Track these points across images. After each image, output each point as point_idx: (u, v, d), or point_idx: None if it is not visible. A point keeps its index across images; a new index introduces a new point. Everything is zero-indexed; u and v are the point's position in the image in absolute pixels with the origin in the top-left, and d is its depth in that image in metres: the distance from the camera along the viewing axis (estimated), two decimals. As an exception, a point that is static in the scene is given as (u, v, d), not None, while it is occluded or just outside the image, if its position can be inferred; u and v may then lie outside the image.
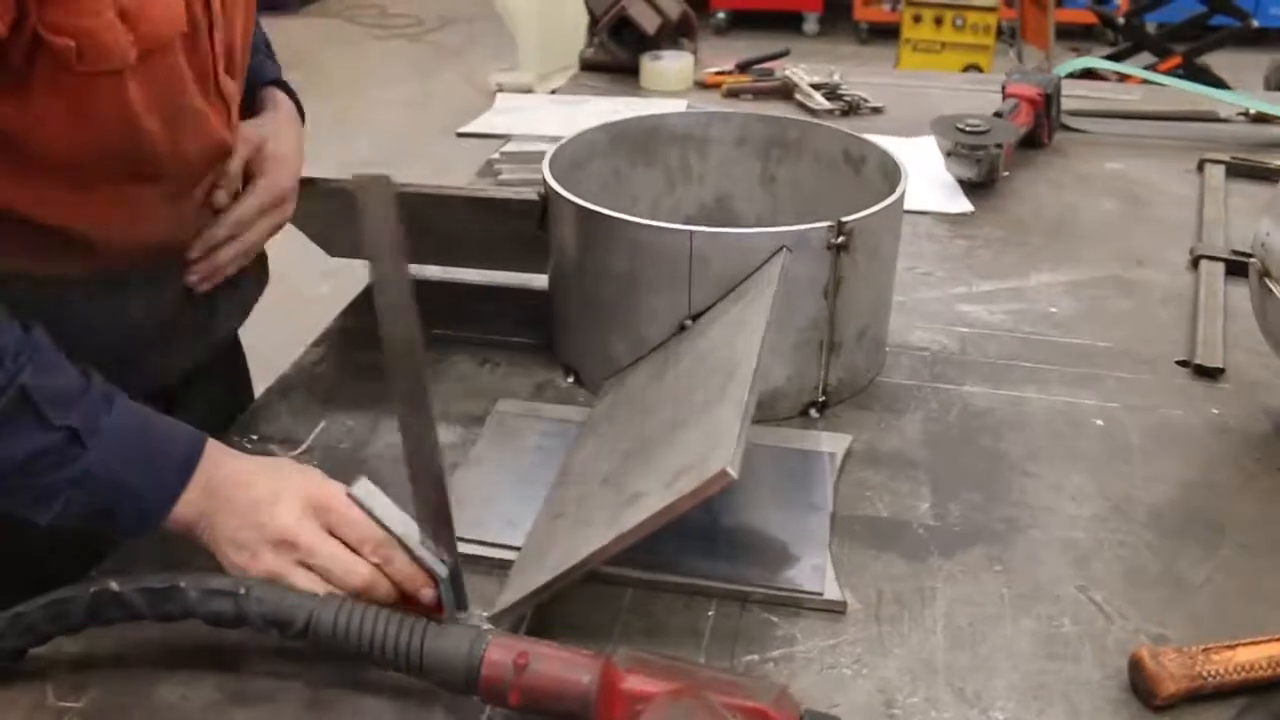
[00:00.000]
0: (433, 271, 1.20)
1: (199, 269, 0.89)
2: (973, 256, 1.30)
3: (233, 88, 0.85)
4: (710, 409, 0.73)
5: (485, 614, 0.72)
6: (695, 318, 0.92)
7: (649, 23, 1.94)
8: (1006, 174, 1.51)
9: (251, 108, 0.97)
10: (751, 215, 1.22)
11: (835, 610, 0.75)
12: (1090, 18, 4.59)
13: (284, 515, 0.71)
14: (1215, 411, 0.99)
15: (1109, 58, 3.87)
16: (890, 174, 1.04)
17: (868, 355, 1.01)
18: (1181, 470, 0.91)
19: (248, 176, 0.91)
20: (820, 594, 0.75)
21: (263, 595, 0.67)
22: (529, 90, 3.57)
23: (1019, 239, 1.34)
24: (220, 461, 0.75)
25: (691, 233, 0.89)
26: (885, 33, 5.42)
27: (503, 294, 1.18)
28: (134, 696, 0.69)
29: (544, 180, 1.00)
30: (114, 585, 0.67)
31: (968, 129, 1.43)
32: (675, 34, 2.07)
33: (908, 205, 1.40)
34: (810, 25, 6.03)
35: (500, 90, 5.37)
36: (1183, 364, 1.06)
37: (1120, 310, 1.17)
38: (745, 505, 0.84)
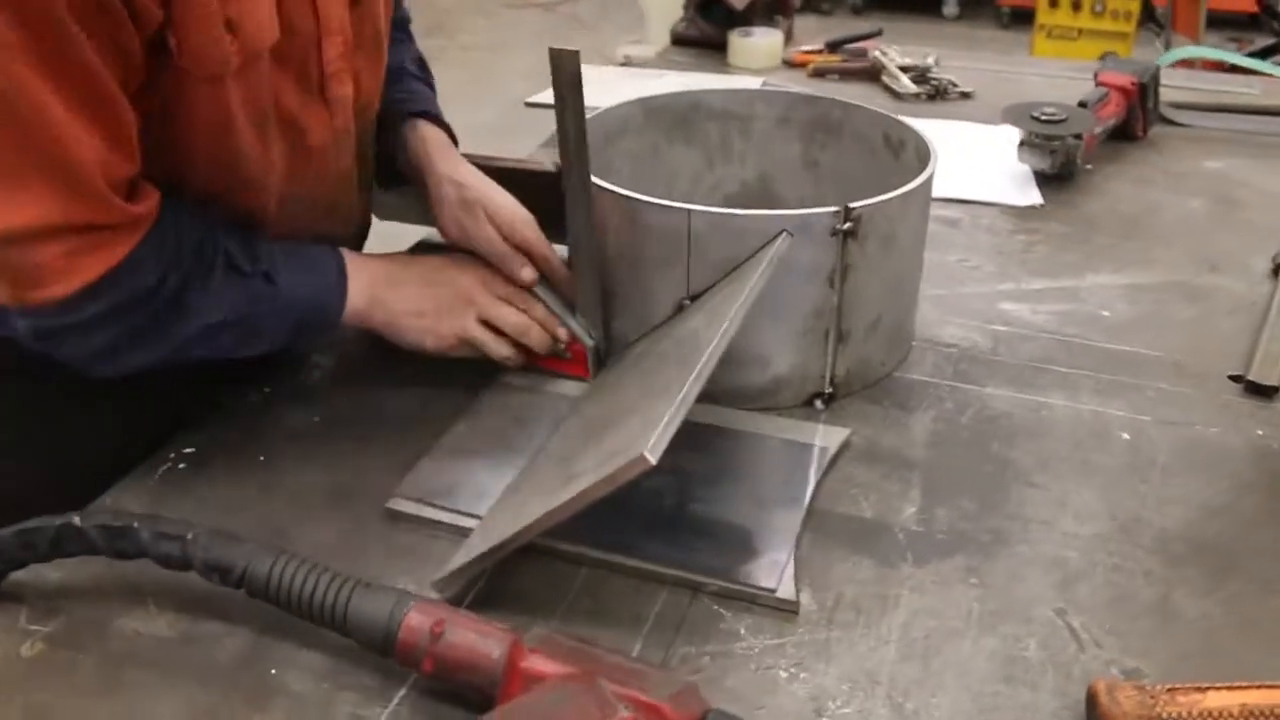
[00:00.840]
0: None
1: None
2: (1030, 252, 1.22)
3: (344, 92, 0.90)
4: (663, 393, 0.71)
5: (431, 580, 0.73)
6: (694, 298, 0.90)
7: (738, -1, 1.90)
8: (1089, 167, 1.43)
9: (395, 140, 1.02)
10: (794, 197, 1.18)
11: (787, 610, 0.72)
12: (1252, 6, 4.28)
13: (460, 278, 0.92)
14: (1260, 433, 0.91)
15: (1269, 50, 3.59)
16: (926, 160, 0.99)
17: (883, 348, 0.97)
18: (1205, 494, 0.84)
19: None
20: (773, 591, 0.73)
21: (208, 543, 0.69)
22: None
23: (1085, 236, 1.26)
24: (363, 260, 0.91)
25: (690, 211, 0.87)
26: (1026, 18, 5.18)
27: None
28: (96, 627, 0.72)
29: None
30: (76, 520, 0.70)
31: (1043, 118, 1.35)
32: (769, 10, 2.03)
33: (975, 195, 1.35)
34: (950, 8, 5.82)
35: (627, 63, 5.41)
36: (1236, 379, 0.98)
37: (1180, 318, 1.09)
38: (719, 494, 0.82)
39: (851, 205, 0.87)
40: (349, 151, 0.95)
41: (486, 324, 0.93)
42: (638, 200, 0.89)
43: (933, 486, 0.84)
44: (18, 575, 0.74)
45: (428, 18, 6.20)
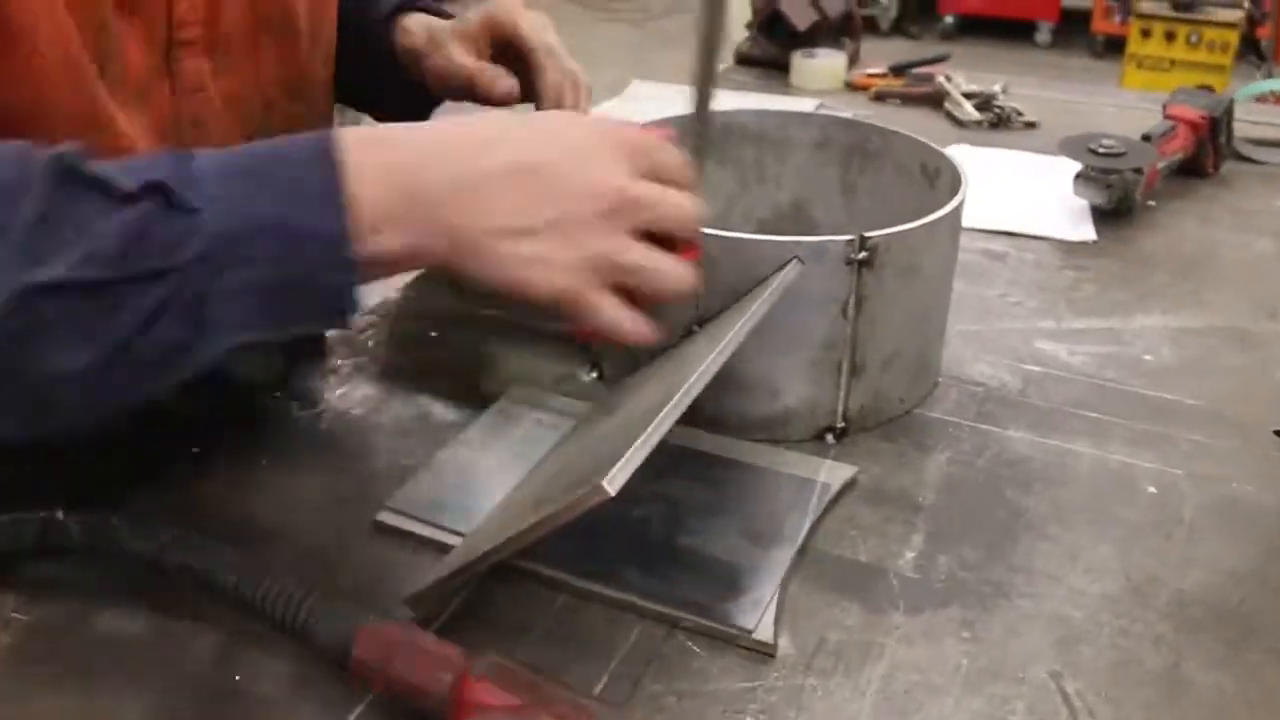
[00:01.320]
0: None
1: None
2: (1077, 290, 1.17)
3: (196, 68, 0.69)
4: (641, 421, 0.68)
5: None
6: (703, 324, 0.87)
7: (801, 19, 1.88)
8: (1152, 203, 1.37)
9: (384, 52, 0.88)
10: (830, 224, 1.15)
11: (763, 652, 0.69)
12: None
13: (596, 164, 0.48)
14: (1302, 495, 0.85)
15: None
16: (957, 189, 0.95)
17: (902, 383, 0.93)
18: (1233, 556, 0.78)
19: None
20: (750, 632, 0.70)
21: (181, 545, 0.69)
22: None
23: (1138, 275, 1.20)
24: (375, 138, 0.49)
25: (702, 235, 0.84)
26: (1121, 47, 5.04)
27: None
28: (77, 620, 0.73)
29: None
30: (59, 514, 0.71)
31: (1101, 150, 1.30)
32: (836, 32, 2.00)
33: (1026, 228, 1.30)
34: (1043, 35, 5.68)
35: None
36: (1281, 435, 0.92)
37: (1229, 366, 1.03)
38: (710, 527, 0.79)
39: (868, 234, 0.84)
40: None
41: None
42: (648, 220, 0.87)
43: (937, 532, 0.81)
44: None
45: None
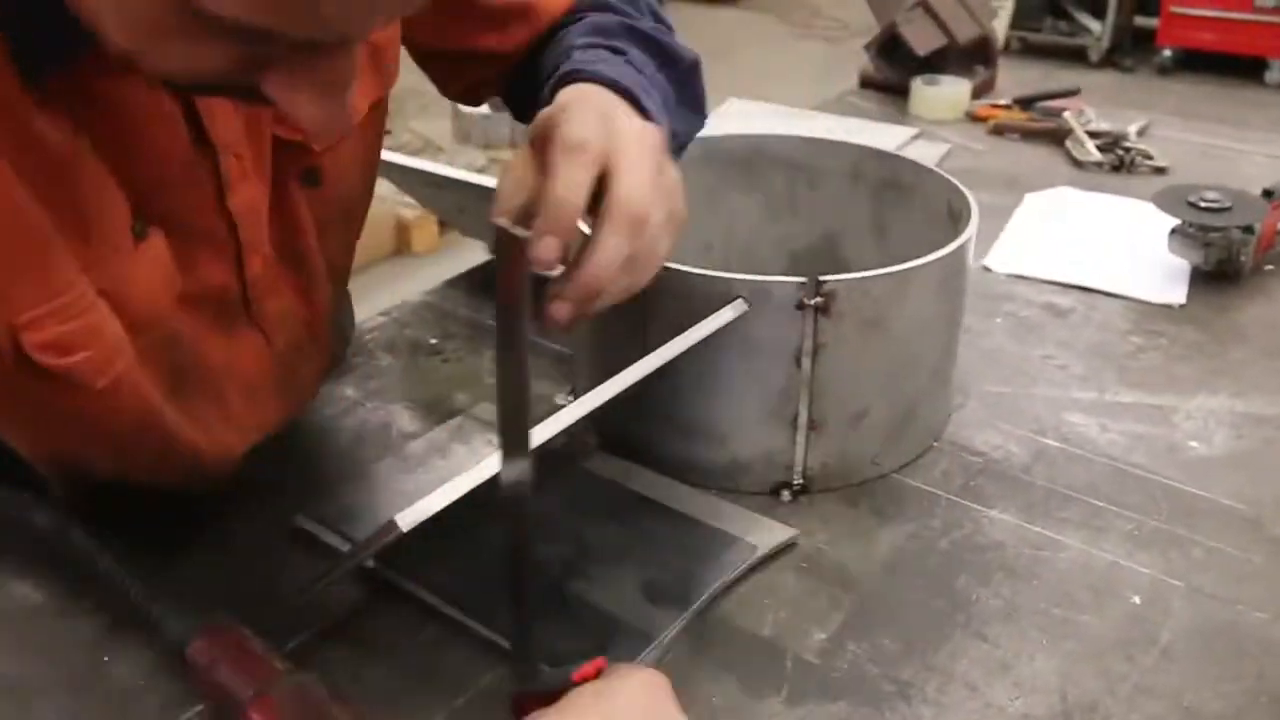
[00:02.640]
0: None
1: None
2: (1137, 358, 1.04)
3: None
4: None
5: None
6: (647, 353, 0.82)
7: (922, 43, 1.77)
8: (1269, 268, 1.20)
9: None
10: (861, 264, 1.05)
11: (608, 721, 0.64)
12: None
13: None
14: (1323, 632, 0.71)
15: None
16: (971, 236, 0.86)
17: (874, 443, 0.84)
18: (1204, 694, 0.66)
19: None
20: (600, 696, 0.64)
21: (79, 528, 0.70)
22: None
23: (1217, 349, 1.05)
24: None
25: (644, 262, 0.79)
26: (1364, 90, 4.52)
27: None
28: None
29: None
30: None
31: (1202, 204, 1.15)
32: (967, 58, 1.87)
33: (1101, 284, 1.18)
34: (1274, 74, 5.18)
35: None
36: (1324, 556, 0.77)
37: (1292, 466, 0.88)
38: (608, 576, 0.74)
39: (823, 278, 0.76)
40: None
41: None
42: (603, 244, 0.82)
43: (860, 615, 0.72)
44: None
45: (716, 40, 6.32)
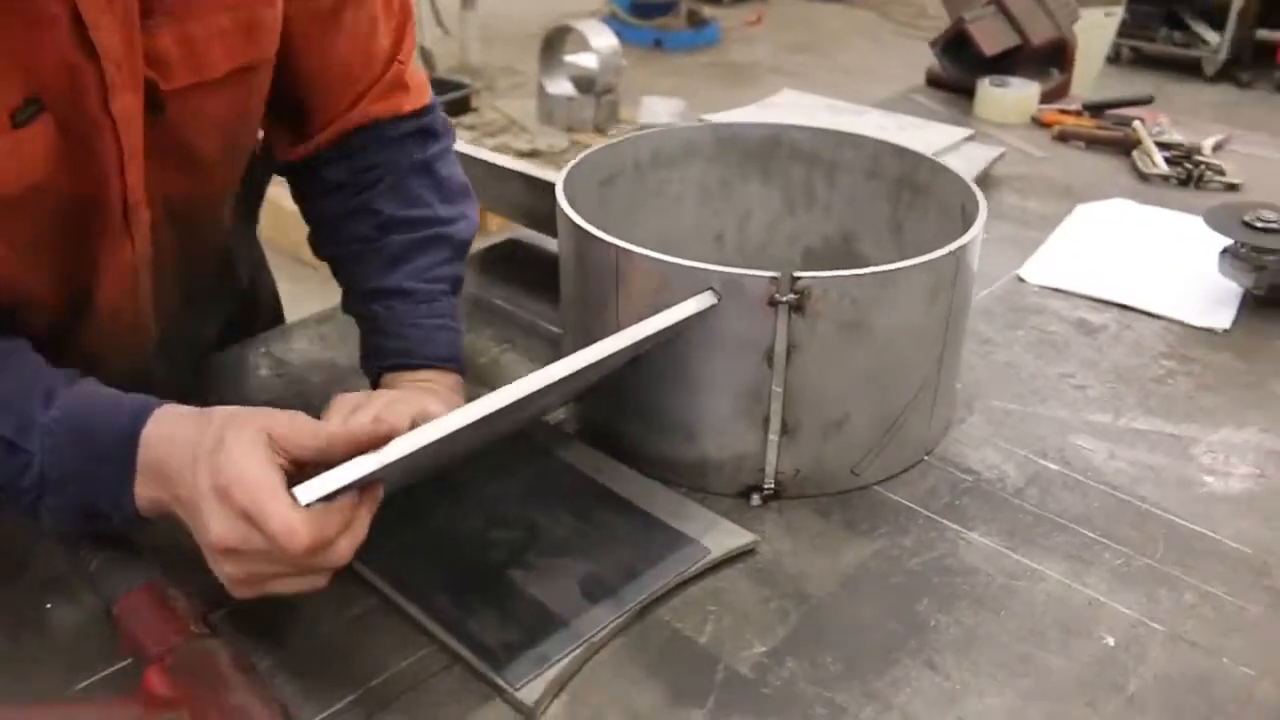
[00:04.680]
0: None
1: None
2: (1165, 384, 0.97)
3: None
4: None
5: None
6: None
7: (989, 43, 1.69)
8: (1332, 297, 1.11)
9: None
10: (879, 262, 1.01)
11: (523, 714, 0.62)
12: None
13: (211, 522, 0.58)
14: (1311, 693, 0.65)
15: None
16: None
17: (855, 452, 0.80)
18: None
19: None
20: (515, 690, 0.62)
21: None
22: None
23: (1256, 379, 0.98)
24: (153, 444, 0.64)
25: (618, 249, 0.76)
26: None
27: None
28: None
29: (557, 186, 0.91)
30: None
31: (1258, 224, 1.07)
32: (1042, 60, 1.79)
33: (1142, 303, 1.11)
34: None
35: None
36: (1329, 612, 0.71)
37: (1313, 512, 0.81)
38: (551, 567, 0.72)
39: (798, 274, 0.72)
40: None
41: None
42: (584, 230, 0.80)
43: (804, 631, 0.68)
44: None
45: (821, 35, 6.21)
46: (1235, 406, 0.94)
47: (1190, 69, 5.17)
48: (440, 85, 2.99)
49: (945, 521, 0.79)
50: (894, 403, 0.80)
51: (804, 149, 1.03)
